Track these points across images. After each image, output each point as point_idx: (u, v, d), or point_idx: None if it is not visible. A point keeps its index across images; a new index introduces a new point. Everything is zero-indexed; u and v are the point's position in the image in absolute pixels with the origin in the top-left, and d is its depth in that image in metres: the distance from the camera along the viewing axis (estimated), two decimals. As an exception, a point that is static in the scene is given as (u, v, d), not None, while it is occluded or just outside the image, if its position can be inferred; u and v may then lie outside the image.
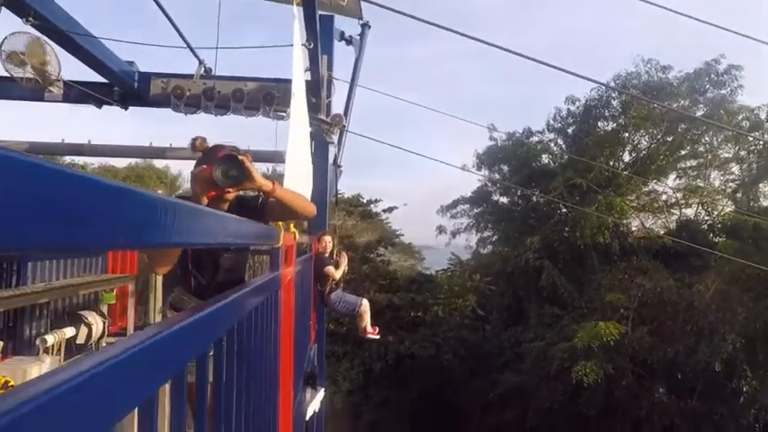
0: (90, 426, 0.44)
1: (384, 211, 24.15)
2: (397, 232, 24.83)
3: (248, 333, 1.34)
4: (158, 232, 0.58)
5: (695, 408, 10.71)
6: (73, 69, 5.11)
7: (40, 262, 4.25)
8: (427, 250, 27.15)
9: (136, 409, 0.63)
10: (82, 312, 4.43)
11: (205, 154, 2.25)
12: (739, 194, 16.43)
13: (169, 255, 2.00)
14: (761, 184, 16.07)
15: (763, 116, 15.66)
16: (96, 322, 4.48)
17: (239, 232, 1.24)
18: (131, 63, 5.55)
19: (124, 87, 5.42)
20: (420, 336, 18.69)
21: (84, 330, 4.29)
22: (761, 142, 16.00)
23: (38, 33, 4.27)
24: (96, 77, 5.20)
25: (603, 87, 16.08)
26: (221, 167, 1.99)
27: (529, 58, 5.17)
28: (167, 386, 0.77)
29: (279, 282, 2.05)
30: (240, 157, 2.03)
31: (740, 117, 15.96)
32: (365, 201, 23.95)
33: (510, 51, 5.11)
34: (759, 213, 13.77)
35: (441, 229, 21.08)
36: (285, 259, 2.44)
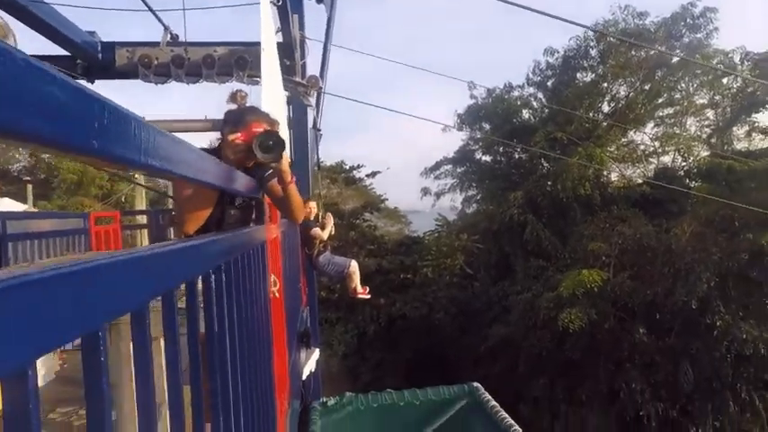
0: (84, 317, 0.47)
1: (367, 176, 24.13)
2: (382, 197, 24.92)
3: (236, 278, 1.37)
4: (136, 150, 0.60)
5: (673, 344, 11.36)
6: (30, 43, 4.87)
7: (21, 242, 4.20)
8: (413, 214, 27.39)
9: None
10: (70, 290, 4.42)
11: (238, 114, 2.21)
12: (714, 139, 16.78)
13: (201, 210, 2.03)
14: (734, 128, 16.41)
15: (737, 59, 15.80)
16: (86, 299, 4.46)
17: (223, 176, 1.25)
18: (92, 33, 5.30)
19: (87, 59, 5.20)
20: (411, 297, 19.14)
21: (74, 307, 4.30)
22: (734, 87, 16.23)
23: (-12, 3, 4.03)
24: (57, 50, 4.97)
25: (582, 37, 15.94)
26: (262, 141, 1.94)
27: (515, 4, 5.07)
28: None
29: (264, 234, 2.08)
30: (281, 138, 2.02)
31: (715, 61, 16.07)
32: (348, 167, 23.84)
33: None
34: (733, 155, 14.15)
35: (425, 191, 21.20)
36: (269, 215, 2.46)
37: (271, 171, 2.17)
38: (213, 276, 1.08)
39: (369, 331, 19.36)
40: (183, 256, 0.79)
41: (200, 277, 0.98)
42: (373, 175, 24.23)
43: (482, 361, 15.60)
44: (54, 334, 0.41)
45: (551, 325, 12.34)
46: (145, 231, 6.24)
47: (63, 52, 5.07)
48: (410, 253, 20.60)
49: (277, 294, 2.46)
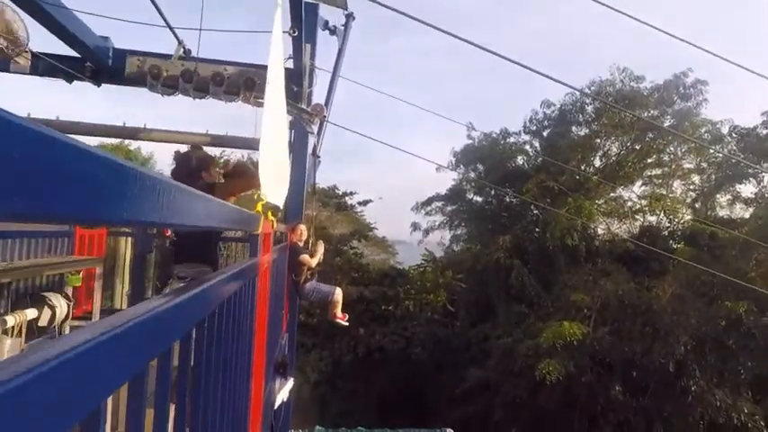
0: (77, 402, 0.45)
1: (359, 203, 24.19)
2: (372, 226, 24.91)
3: (227, 318, 1.35)
4: (157, 212, 0.59)
5: (647, 405, 11.27)
6: (42, 41, 4.88)
7: (2, 240, 4.07)
8: (401, 245, 27.35)
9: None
10: (45, 294, 4.27)
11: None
12: (698, 204, 17.25)
13: None
14: (718, 195, 16.90)
15: (724, 130, 16.45)
16: (60, 305, 4.33)
17: (222, 216, 1.24)
18: (106, 38, 5.35)
19: (97, 63, 5.22)
20: (390, 329, 18.86)
21: (47, 312, 4.14)
22: (720, 155, 16.85)
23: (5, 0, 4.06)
24: (68, 51, 4.98)
25: (578, 93, 16.52)
26: None
27: (509, 59, 5.28)
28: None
29: (257, 269, 2.05)
30: None
31: (703, 130, 16.72)
32: (341, 193, 23.91)
33: (490, 52, 5.19)
34: (715, 223, 14.54)
35: (415, 226, 21.27)
36: (263, 247, 2.44)
37: None
38: (206, 322, 1.05)
39: (344, 361, 18.92)
40: (180, 311, 0.77)
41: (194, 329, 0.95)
42: (365, 203, 24.32)
43: (457, 402, 15.29)
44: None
45: (528, 373, 12.21)
46: (129, 240, 6.11)
47: (74, 53, 5.09)
48: (393, 285, 20.43)
49: (259, 328, 2.41)
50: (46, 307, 4.26)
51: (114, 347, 0.51)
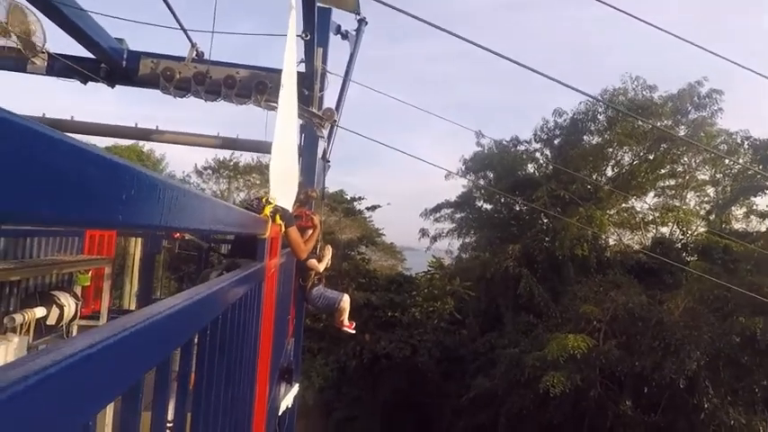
0: (72, 413, 0.42)
1: (368, 209, 24.19)
2: (380, 231, 24.89)
3: (231, 323, 1.32)
4: (158, 214, 0.56)
5: (658, 422, 10.99)
6: (59, 42, 4.94)
7: (14, 238, 4.09)
8: (409, 251, 27.26)
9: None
10: (54, 293, 4.29)
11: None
12: (712, 216, 16.94)
13: None
14: (733, 207, 16.59)
15: (740, 141, 16.17)
16: (69, 303, 4.34)
17: (228, 220, 1.21)
18: (121, 40, 5.41)
19: (112, 64, 5.28)
20: (396, 336, 18.73)
21: (55, 311, 4.16)
22: (736, 166, 16.54)
23: (23, 1, 4.12)
24: (83, 52, 5.05)
25: (591, 102, 16.39)
26: None
27: (523, 65, 5.24)
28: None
29: (263, 273, 2.02)
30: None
31: (719, 140, 16.46)
32: (349, 198, 23.94)
33: (505, 57, 5.16)
34: (730, 235, 14.24)
35: (423, 233, 21.17)
36: (270, 251, 2.41)
37: None
38: (209, 328, 1.02)
39: (350, 366, 18.83)
40: (183, 317, 0.73)
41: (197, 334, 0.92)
42: (373, 208, 24.32)
43: (462, 411, 15.09)
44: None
45: (535, 385, 12.00)
46: (139, 240, 6.14)
47: (89, 55, 5.15)
48: (401, 291, 20.33)
49: (264, 334, 2.37)
50: (54, 306, 4.27)
51: (106, 359, 0.48)
